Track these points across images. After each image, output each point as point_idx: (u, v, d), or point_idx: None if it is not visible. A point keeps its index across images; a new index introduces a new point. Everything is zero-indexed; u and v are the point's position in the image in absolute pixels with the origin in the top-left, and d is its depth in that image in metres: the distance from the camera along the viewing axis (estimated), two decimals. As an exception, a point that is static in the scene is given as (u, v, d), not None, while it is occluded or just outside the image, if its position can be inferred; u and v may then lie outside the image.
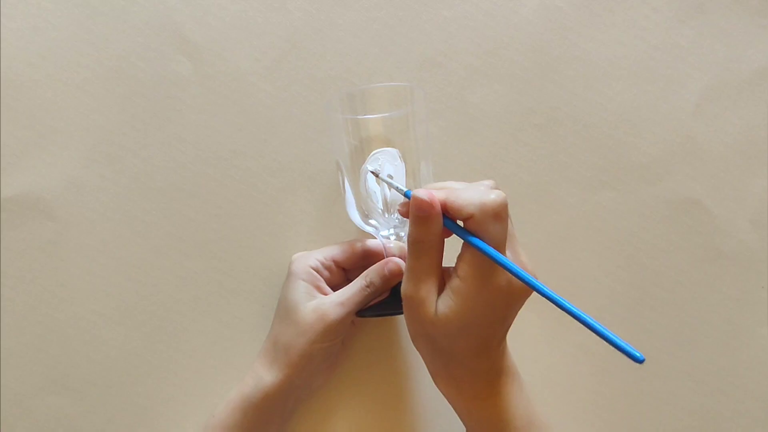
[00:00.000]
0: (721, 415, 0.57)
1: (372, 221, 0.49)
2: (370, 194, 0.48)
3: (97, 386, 0.53)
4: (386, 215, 0.48)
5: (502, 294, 0.39)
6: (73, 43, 0.54)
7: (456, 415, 0.46)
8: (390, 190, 0.47)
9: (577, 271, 0.57)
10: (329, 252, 0.51)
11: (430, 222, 0.39)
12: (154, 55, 0.54)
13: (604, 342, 0.34)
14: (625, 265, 0.57)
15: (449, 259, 0.41)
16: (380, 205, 0.48)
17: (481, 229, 0.37)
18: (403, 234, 0.49)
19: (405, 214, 0.42)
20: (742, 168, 0.58)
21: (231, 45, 0.55)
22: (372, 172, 0.47)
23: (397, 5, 0.56)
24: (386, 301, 0.49)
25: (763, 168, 0.58)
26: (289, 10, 0.55)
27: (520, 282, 0.37)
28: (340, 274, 0.52)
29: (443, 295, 0.39)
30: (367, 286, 0.48)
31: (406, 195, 0.43)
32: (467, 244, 0.38)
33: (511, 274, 0.37)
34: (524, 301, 0.40)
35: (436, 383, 0.44)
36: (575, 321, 0.35)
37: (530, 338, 0.55)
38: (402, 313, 0.42)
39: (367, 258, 0.51)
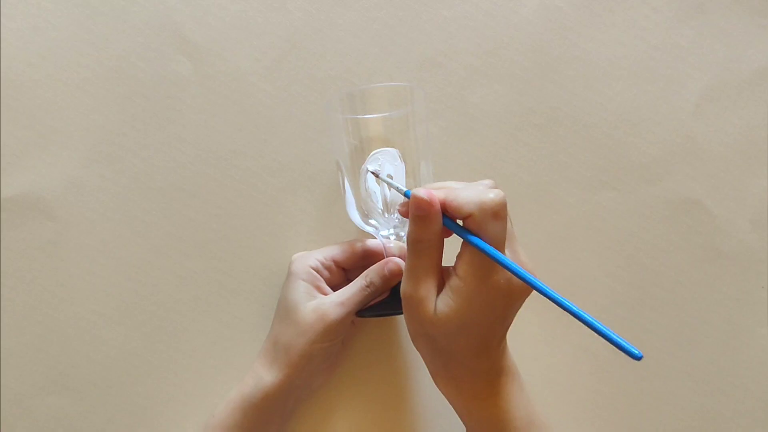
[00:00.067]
0: (721, 415, 0.57)
1: (372, 221, 0.49)
2: (370, 194, 0.48)
3: (97, 386, 0.53)
4: (386, 215, 0.48)
5: (501, 293, 0.39)
6: (73, 43, 0.54)
7: (456, 415, 0.46)
8: (390, 190, 0.47)
9: (577, 271, 0.57)
10: (329, 252, 0.51)
11: (430, 221, 0.39)
12: (154, 55, 0.54)
13: (604, 341, 0.34)
14: (625, 265, 0.57)
15: (449, 258, 0.41)
16: (380, 205, 0.48)
17: (481, 228, 0.37)
18: (402, 234, 0.49)
19: (405, 214, 0.42)
20: (742, 168, 0.58)
21: (231, 45, 0.55)
22: (372, 173, 0.47)
23: (397, 5, 0.56)
24: (386, 301, 0.49)
25: (763, 168, 0.58)
26: (289, 10, 0.55)
27: (520, 281, 0.37)
28: (340, 274, 0.52)
29: (442, 294, 0.39)
30: (367, 286, 0.48)
31: (405, 195, 0.43)
32: (467, 243, 0.38)
33: (510, 273, 0.37)
34: (524, 300, 0.40)
35: (436, 383, 0.44)
36: (575, 320, 0.35)
37: (530, 338, 0.55)
38: (402, 313, 0.42)
39: (367, 258, 0.51)
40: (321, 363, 0.50)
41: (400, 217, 0.48)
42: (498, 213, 0.37)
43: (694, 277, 0.57)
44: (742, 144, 0.58)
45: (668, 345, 0.57)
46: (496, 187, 0.39)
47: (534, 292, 0.37)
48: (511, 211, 0.39)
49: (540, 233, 0.57)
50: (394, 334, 0.55)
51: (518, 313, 0.41)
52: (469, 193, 0.38)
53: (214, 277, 0.54)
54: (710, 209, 0.58)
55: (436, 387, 0.44)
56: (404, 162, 0.48)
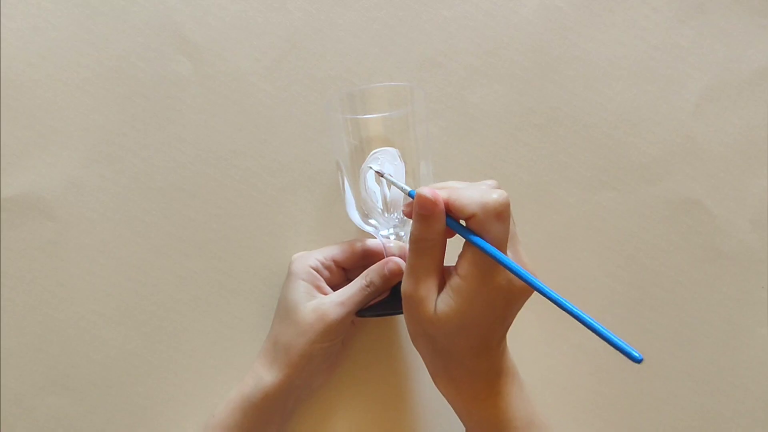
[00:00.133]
0: (721, 415, 0.57)
1: (372, 221, 0.49)
2: (370, 194, 0.48)
3: (97, 386, 0.53)
4: (386, 215, 0.48)
5: (502, 293, 0.39)
6: (73, 43, 0.54)
7: (456, 415, 0.46)
8: (390, 189, 0.47)
9: (577, 271, 0.57)
10: (329, 252, 0.51)
11: (433, 220, 0.39)
12: (154, 55, 0.54)
13: (604, 342, 0.34)
14: (625, 265, 0.57)
15: (450, 258, 0.41)
16: (380, 205, 0.48)
17: (483, 229, 0.37)
18: (402, 233, 0.49)
19: (409, 215, 0.42)
20: (742, 168, 0.58)
21: (231, 45, 0.55)
22: (377, 173, 0.47)
23: (397, 5, 0.56)
24: (386, 300, 0.49)
25: (763, 168, 0.58)
26: (289, 10, 0.55)
27: (521, 282, 0.37)
28: (340, 274, 0.52)
29: (443, 293, 0.39)
30: (367, 286, 0.48)
31: (410, 195, 0.43)
32: (468, 243, 0.38)
33: (511, 274, 0.37)
34: (524, 300, 0.40)
35: (435, 383, 0.44)
36: (575, 321, 0.35)
37: (530, 338, 0.55)
38: (402, 312, 0.42)
39: (367, 258, 0.51)
40: (321, 363, 0.50)
41: (399, 216, 0.48)
42: (501, 214, 0.37)
43: (694, 277, 0.57)
44: (742, 144, 0.58)
45: (668, 345, 0.57)
46: (499, 188, 0.39)
47: (534, 292, 0.37)
48: (512, 211, 0.39)
49: (540, 233, 0.57)
50: (394, 334, 0.55)
51: (518, 313, 0.41)
52: (473, 193, 0.38)
53: (214, 277, 0.54)
54: (710, 209, 0.58)
55: (436, 387, 0.44)
56: (404, 162, 0.48)
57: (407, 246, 0.49)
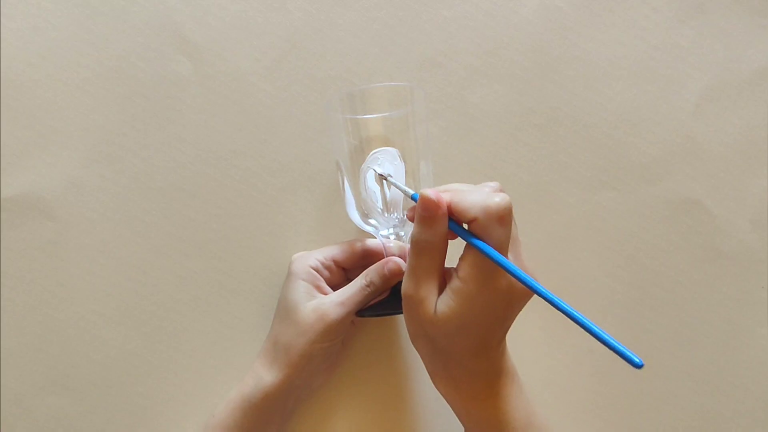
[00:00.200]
0: (721, 415, 0.57)
1: (372, 221, 0.49)
2: (370, 194, 0.48)
3: (97, 386, 0.53)
4: (386, 215, 0.48)
5: (502, 296, 0.39)
6: (73, 43, 0.54)
7: (455, 415, 0.46)
8: (390, 189, 0.47)
9: (577, 271, 0.57)
10: (329, 252, 0.51)
11: (436, 222, 0.39)
12: (154, 55, 0.54)
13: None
14: (625, 265, 0.57)
15: (451, 260, 0.41)
16: (380, 205, 0.48)
17: (485, 233, 0.37)
18: (402, 233, 0.49)
19: (412, 219, 0.41)
20: (742, 168, 0.58)
21: (231, 45, 0.55)
22: (380, 176, 0.47)
23: (397, 5, 0.56)
24: (386, 300, 0.49)
25: (763, 168, 0.58)
26: (289, 10, 0.55)
27: (522, 285, 0.37)
28: (340, 273, 0.52)
29: (443, 295, 0.39)
30: (367, 286, 0.48)
31: (413, 198, 0.43)
32: (470, 246, 0.38)
33: (512, 277, 0.37)
34: (525, 303, 0.40)
35: (434, 384, 0.44)
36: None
37: (530, 339, 0.55)
38: (402, 312, 0.42)
39: (367, 258, 0.51)
40: (321, 363, 0.50)
41: (399, 216, 0.48)
42: (503, 218, 0.37)
43: (694, 277, 0.57)
44: (742, 144, 0.58)
45: (668, 345, 0.57)
46: (501, 190, 0.39)
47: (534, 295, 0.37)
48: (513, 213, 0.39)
49: (540, 233, 0.57)
50: (394, 334, 0.55)
51: (519, 314, 0.41)
52: (475, 196, 0.38)
53: (214, 277, 0.54)
54: (710, 209, 0.58)
55: (435, 387, 0.44)
56: (404, 162, 0.48)
57: (407, 246, 0.49)
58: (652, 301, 0.57)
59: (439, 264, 0.40)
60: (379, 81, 0.56)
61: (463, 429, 0.47)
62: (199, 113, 0.55)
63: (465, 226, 0.39)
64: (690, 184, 0.58)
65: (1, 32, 0.53)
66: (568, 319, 0.35)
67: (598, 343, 0.34)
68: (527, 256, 0.41)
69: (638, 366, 0.33)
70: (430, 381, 0.44)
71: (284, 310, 0.49)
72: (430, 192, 0.38)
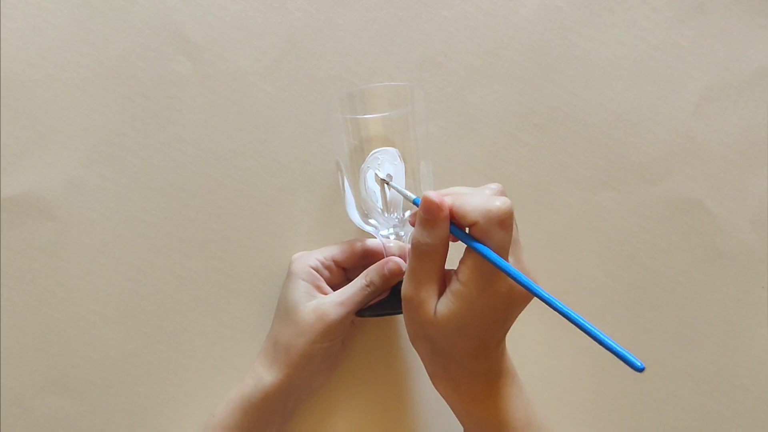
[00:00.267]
0: (721, 415, 0.57)
1: (372, 221, 0.49)
2: (370, 194, 0.48)
3: (97, 386, 0.53)
4: (386, 215, 0.48)
5: (502, 299, 0.39)
6: (73, 43, 0.54)
7: (455, 415, 0.46)
8: (390, 189, 0.47)
9: (577, 271, 0.57)
10: (329, 252, 0.51)
11: (437, 225, 0.39)
12: (154, 55, 0.54)
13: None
14: (625, 265, 0.57)
15: (451, 262, 0.41)
16: (380, 205, 0.48)
17: (486, 236, 0.37)
18: (402, 233, 0.49)
19: (414, 224, 0.41)
20: (742, 168, 0.58)
21: (231, 45, 0.55)
22: (383, 180, 0.47)
23: (397, 5, 0.56)
24: (386, 300, 0.49)
25: (763, 168, 0.58)
26: (289, 10, 0.55)
27: (522, 288, 0.37)
28: (340, 273, 0.52)
29: (443, 297, 0.39)
30: (367, 286, 0.48)
31: (415, 203, 0.43)
32: (470, 249, 0.38)
33: (512, 280, 0.37)
34: (525, 306, 0.40)
35: (434, 384, 0.44)
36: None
37: (530, 340, 0.55)
38: (402, 312, 0.42)
39: (367, 257, 0.51)
40: (321, 363, 0.50)
41: (399, 216, 0.48)
42: (504, 222, 0.37)
43: (694, 277, 0.57)
44: (742, 144, 0.58)
45: (668, 345, 0.57)
46: (503, 193, 0.39)
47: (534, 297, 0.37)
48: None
49: (540, 233, 0.57)
50: (394, 334, 0.55)
51: (518, 315, 0.41)
52: (476, 200, 0.38)
53: (214, 277, 0.54)
54: (710, 209, 0.58)
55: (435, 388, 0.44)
56: (404, 162, 0.48)
57: (407, 246, 0.49)
58: (652, 301, 0.57)
59: (440, 267, 0.40)
60: (379, 81, 0.56)
61: (462, 429, 0.47)
62: (199, 113, 0.55)
63: (466, 229, 0.39)
64: (690, 184, 0.58)
65: (1, 32, 0.53)
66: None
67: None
68: (527, 256, 0.41)
69: (639, 369, 0.33)
70: (430, 381, 0.44)
71: (284, 310, 0.49)
72: (433, 194, 0.38)
